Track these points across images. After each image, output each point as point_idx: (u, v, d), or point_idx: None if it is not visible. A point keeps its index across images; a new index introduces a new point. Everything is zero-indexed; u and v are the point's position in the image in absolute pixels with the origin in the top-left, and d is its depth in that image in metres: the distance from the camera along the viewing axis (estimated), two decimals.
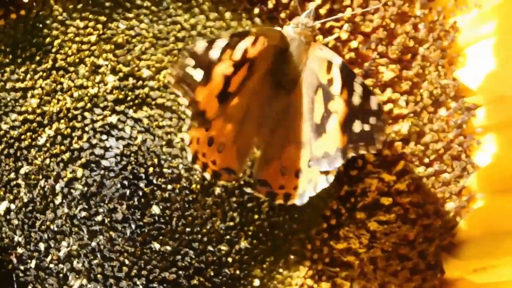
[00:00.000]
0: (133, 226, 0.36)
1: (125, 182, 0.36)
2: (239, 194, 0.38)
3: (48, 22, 0.38)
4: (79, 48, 0.38)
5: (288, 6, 0.39)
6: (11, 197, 0.37)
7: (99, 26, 0.38)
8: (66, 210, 0.36)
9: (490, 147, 0.39)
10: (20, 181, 0.37)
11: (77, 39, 0.38)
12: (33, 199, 0.37)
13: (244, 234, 0.38)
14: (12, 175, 0.37)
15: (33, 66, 0.38)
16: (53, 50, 0.38)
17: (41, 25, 0.38)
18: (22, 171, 0.37)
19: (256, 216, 0.38)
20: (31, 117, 0.37)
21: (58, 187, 0.37)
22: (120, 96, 0.37)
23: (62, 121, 0.37)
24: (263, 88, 0.34)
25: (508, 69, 0.38)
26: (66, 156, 0.37)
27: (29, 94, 0.37)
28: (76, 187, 0.37)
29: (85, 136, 0.37)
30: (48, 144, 0.37)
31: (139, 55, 0.38)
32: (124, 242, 0.36)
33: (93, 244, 0.36)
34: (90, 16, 0.38)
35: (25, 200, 0.37)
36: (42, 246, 0.37)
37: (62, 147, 0.37)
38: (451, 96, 0.40)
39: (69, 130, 0.37)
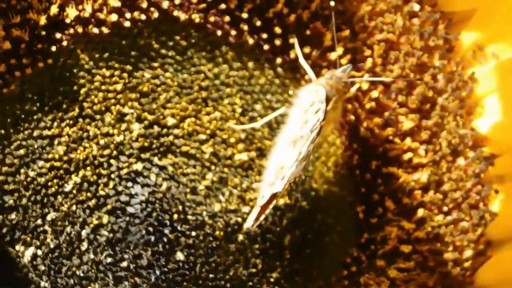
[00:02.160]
0: (157, 272, 0.41)
1: (150, 229, 0.42)
2: (262, 241, 0.45)
3: (74, 70, 0.44)
4: (105, 97, 0.44)
5: (310, 56, 0.47)
6: (38, 243, 0.42)
7: (125, 75, 0.44)
8: (92, 256, 0.41)
9: (507, 196, 0.47)
10: (46, 227, 0.42)
11: (103, 87, 0.44)
12: (60, 245, 0.42)
13: (266, 280, 0.43)
14: (39, 222, 0.42)
15: (60, 114, 0.43)
16: (80, 98, 0.43)
17: (67, 74, 0.44)
18: (48, 218, 0.42)
19: (278, 263, 0.44)
20: (57, 164, 0.43)
21: (84, 233, 0.42)
22: (146, 144, 0.43)
23: (88, 168, 0.43)
24: None
25: None
26: (92, 202, 0.42)
27: (56, 142, 0.43)
28: (102, 234, 0.42)
29: (111, 183, 0.43)
30: (74, 191, 0.42)
31: (164, 103, 0.44)
32: None
33: None
34: (116, 65, 0.44)
35: (52, 246, 0.42)
36: None
37: (88, 194, 0.42)
38: (469, 146, 0.47)
39: (95, 177, 0.43)
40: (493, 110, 0.46)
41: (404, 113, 0.46)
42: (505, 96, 0.46)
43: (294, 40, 0.45)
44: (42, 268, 0.43)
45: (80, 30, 0.44)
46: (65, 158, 0.44)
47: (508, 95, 0.46)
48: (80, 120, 0.44)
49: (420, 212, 0.46)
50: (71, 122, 0.44)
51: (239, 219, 0.44)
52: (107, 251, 0.43)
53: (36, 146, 0.44)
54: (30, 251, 0.43)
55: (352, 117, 0.46)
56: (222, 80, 0.46)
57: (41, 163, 0.44)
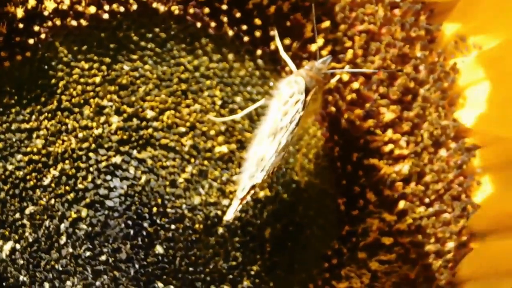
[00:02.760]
0: (137, 265, 0.41)
1: (129, 222, 0.41)
2: (242, 234, 0.44)
3: (53, 63, 0.43)
4: (84, 89, 0.43)
5: (290, 48, 0.46)
6: (16, 237, 0.41)
7: (104, 67, 0.44)
8: (70, 250, 0.41)
9: (489, 187, 0.47)
10: (25, 221, 0.42)
11: (82, 80, 0.44)
12: (38, 239, 0.41)
13: (247, 273, 0.43)
14: (18, 215, 0.42)
15: (38, 107, 0.43)
16: (58, 91, 0.43)
17: (46, 67, 0.43)
18: (27, 211, 0.42)
19: (258, 256, 0.44)
20: (36, 157, 0.42)
21: (62, 227, 0.42)
22: (124, 137, 0.43)
23: (67, 161, 0.42)
24: None
25: (507, 111, 0.46)
26: (70, 196, 0.42)
27: (34, 135, 0.43)
28: (80, 227, 0.42)
29: (90, 177, 0.42)
30: (53, 185, 0.42)
31: (143, 96, 0.44)
32: (128, 281, 0.41)
33: (98, 283, 0.41)
34: (95, 57, 0.44)
35: (30, 240, 0.41)
36: (47, 285, 0.41)
37: (67, 187, 0.42)
38: (451, 137, 0.47)
39: (73, 171, 0.42)
40: (476, 101, 0.46)
41: (385, 104, 0.45)
42: (488, 87, 0.45)
43: (274, 32, 0.45)
44: (21, 262, 0.42)
45: (58, 22, 0.44)
46: (43, 151, 0.43)
47: (491, 86, 0.45)
48: (59, 113, 0.44)
49: (402, 204, 0.46)
50: (50, 115, 0.44)
51: (219, 212, 0.44)
52: (86, 245, 0.42)
53: (14, 140, 0.43)
54: (8, 245, 0.42)
55: (333, 109, 0.46)
56: (202, 72, 0.45)
57: (19, 156, 0.43)
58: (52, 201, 0.43)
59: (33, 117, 0.44)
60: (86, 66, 0.45)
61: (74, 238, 0.42)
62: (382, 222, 0.46)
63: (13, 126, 0.43)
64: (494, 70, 0.46)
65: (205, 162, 0.45)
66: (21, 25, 0.43)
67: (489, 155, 0.46)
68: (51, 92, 0.44)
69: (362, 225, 0.46)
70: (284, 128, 0.40)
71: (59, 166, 0.44)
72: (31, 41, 0.44)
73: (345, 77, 0.46)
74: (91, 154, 0.44)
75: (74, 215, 0.43)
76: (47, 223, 0.43)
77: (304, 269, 0.45)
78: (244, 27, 0.46)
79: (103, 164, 0.44)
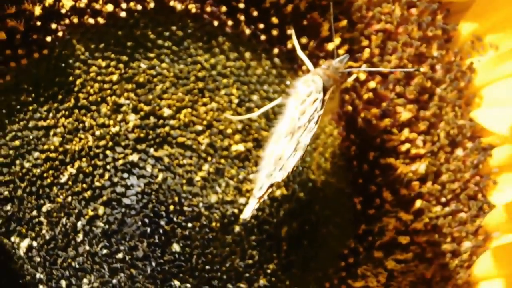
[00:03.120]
0: (153, 263, 0.41)
1: (146, 220, 0.41)
2: (258, 232, 0.44)
3: (70, 61, 0.43)
4: (101, 87, 0.43)
5: (307, 47, 0.46)
6: (33, 235, 0.42)
7: (121, 65, 0.44)
8: (87, 247, 0.41)
9: (506, 187, 0.47)
10: (42, 218, 0.42)
11: (99, 78, 0.44)
12: (55, 237, 0.42)
13: (263, 272, 0.43)
14: (34, 213, 0.42)
15: (55, 104, 0.43)
16: (75, 89, 0.43)
17: (63, 64, 0.43)
18: (44, 209, 0.42)
19: (274, 255, 0.44)
20: (53, 155, 0.42)
21: (79, 225, 0.42)
22: (141, 135, 0.43)
23: (84, 159, 0.42)
24: None
25: None
26: (87, 194, 0.42)
27: (51, 133, 0.43)
28: (97, 225, 0.42)
29: (107, 174, 0.43)
30: (70, 182, 0.42)
31: (160, 94, 0.44)
32: (145, 279, 0.41)
33: (114, 281, 0.41)
34: (112, 55, 0.44)
35: (47, 237, 0.42)
36: (63, 283, 0.41)
37: (84, 185, 0.42)
38: (467, 137, 0.47)
39: (90, 168, 0.43)
40: (492, 100, 0.46)
41: (402, 103, 0.45)
42: (505, 86, 0.45)
43: (291, 31, 0.45)
44: (38, 259, 0.43)
45: (75, 20, 0.44)
46: (60, 149, 0.44)
47: (507, 86, 0.45)
48: (76, 111, 0.44)
49: (418, 203, 0.46)
50: (67, 113, 0.44)
51: (236, 210, 0.44)
52: (102, 243, 0.43)
53: (31, 137, 0.43)
54: (25, 242, 0.43)
55: (350, 108, 0.46)
56: (218, 71, 0.45)
57: (36, 154, 0.43)
58: (69, 198, 0.43)
59: (50, 114, 0.44)
60: (103, 64, 0.45)
61: (91, 235, 0.43)
62: (398, 221, 0.46)
63: (30, 124, 0.44)
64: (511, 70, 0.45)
65: (222, 161, 0.45)
66: (38, 23, 0.43)
67: (505, 155, 0.46)
68: (68, 89, 0.44)
69: (379, 224, 0.46)
70: (302, 127, 0.40)
71: (76, 164, 0.44)
72: (48, 38, 0.44)
73: (362, 76, 0.46)
74: (108, 152, 0.44)
75: (91, 213, 0.43)
76: (64, 220, 0.43)
77: (320, 268, 0.45)
78: (261, 25, 0.46)
79: (120, 162, 0.44)
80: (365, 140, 0.46)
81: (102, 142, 0.44)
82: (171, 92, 0.45)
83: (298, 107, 0.41)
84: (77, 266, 0.42)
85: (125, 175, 0.44)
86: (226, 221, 0.44)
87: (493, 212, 0.46)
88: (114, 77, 0.45)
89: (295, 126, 0.40)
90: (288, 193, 0.45)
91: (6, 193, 0.42)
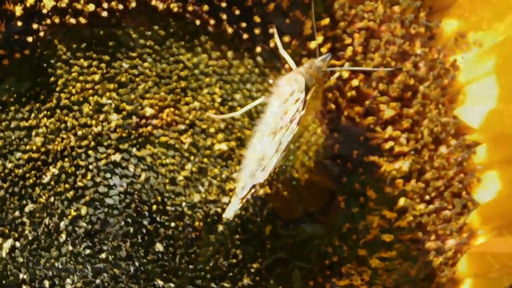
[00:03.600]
0: (136, 263, 0.41)
1: (129, 220, 0.41)
2: (242, 231, 0.44)
3: (52, 61, 0.43)
4: (83, 87, 0.43)
5: (290, 45, 0.46)
6: (16, 235, 0.42)
7: (103, 65, 0.44)
8: (70, 247, 0.41)
9: (490, 184, 0.47)
10: (25, 219, 0.42)
11: (81, 78, 0.44)
12: (38, 237, 0.42)
13: (247, 271, 0.43)
14: (17, 213, 0.42)
15: (37, 105, 0.43)
16: (57, 89, 0.43)
17: (45, 64, 0.43)
18: (26, 209, 0.42)
19: (258, 254, 0.44)
20: (35, 155, 0.42)
21: (62, 225, 0.42)
22: (124, 135, 0.43)
23: (66, 159, 0.42)
24: None
25: (508, 108, 0.45)
26: (70, 194, 0.42)
27: (33, 133, 0.43)
28: (80, 225, 0.42)
29: (89, 175, 0.42)
30: (52, 183, 0.42)
31: (142, 94, 0.44)
32: (128, 279, 0.41)
33: (97, 281, 0.41)
34: (94, 55, 0.44)
35: (30, 238, 0.42)
36: (47, 283, 0.41)
37: (67, 185, 0.42)
38: (451, 134, 0.46)
39: (73, 169, 0.43)
40: (476, 97, 0.46)
41: (385, 101, 0.45)
42: (488, 84, 0.45)
43: (273, 30, 0.45)
44: (21, 260, 0.43)
45: (57, 20, 0.44)
46: (42, 149, 0.44)
47: (491, 83, 0.45)
48: (58, 111, 0.44)
49: (402, 201, 0.46)
50: (49, 113, 0.44)
51: (219, 210, 0.43)
52: (85, 243, 0.43)
53: (13, 137, 0.44)
54: (8, 243, 0.43)
55: (333, 106, 0.46)
56: (201, 70, 0.45)
57: (18, 154, 0.43)
58: (52, 199, 0.43)
59: (32, 115, 0.44)
60: (85, 64, 0.45)
61: (74, 236, 0.42)
62: (382, 219, 0.45)
63: (12, 124, 0.44)
64: (495, 67, 0.45)
65: (205, 160, 0.44)
66: (19, 23, 0.44)
67: (491, 152, 0.46)
68: (50, 90, 0.44)
69: (363, 222, 0.45)
70: (284, 127, 0.39)
71: (59, 164, 0.44)
72: (29, 39, 0.44)
73: (345, 75, 0.46)
74: (90, 152, 0.44)
75: (73, 213, 0.43)
76: (46, 221, 0.43)
77: (305, 267, 0.45)
78: (243, 24, 0.46)
79: (103, 162, 0.44)
80: (348, 138, 0.46)
81: (85, 142, 0.44)
82: (154, 92, 0.45)
83: (281, 106, 0.40)
84: (60, 266, 0.42)
85: (108, 175, 0.44)
86: (210, 220, 0.43)
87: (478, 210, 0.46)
88: (96, 77, 0.45)
89: (278, 126, 0.40)
90: (272, 192, 0.45)
91: None
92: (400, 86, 0.46)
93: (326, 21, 0.46)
